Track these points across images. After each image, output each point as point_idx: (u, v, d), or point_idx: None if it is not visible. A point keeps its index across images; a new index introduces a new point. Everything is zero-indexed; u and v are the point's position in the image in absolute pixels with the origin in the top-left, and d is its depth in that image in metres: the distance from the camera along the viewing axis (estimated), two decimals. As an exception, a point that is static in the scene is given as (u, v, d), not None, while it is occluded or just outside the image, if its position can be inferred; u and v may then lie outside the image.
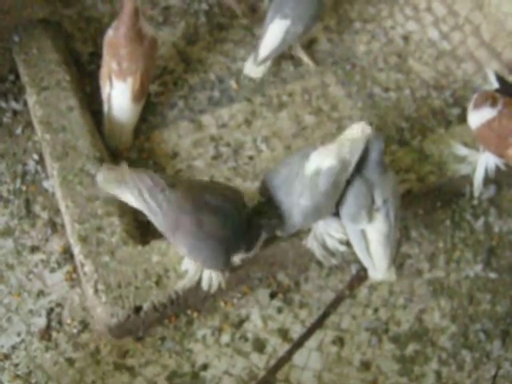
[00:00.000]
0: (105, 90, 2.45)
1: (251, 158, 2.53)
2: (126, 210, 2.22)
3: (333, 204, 2.09)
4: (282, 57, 2.84)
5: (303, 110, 2.69)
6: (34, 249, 2.31)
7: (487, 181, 2.41)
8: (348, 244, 2.17)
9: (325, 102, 2.72)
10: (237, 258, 2.08)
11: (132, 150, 2.52)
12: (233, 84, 2.76)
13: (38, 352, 2.10)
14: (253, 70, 2.74)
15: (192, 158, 2.52)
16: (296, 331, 2.19)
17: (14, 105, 2.63)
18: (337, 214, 2.15)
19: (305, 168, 2.03)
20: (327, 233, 2.17)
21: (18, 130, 2.58)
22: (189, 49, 2.87)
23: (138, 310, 2.05)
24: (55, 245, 2.31)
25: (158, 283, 2.07)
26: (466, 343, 2.20)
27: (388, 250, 2.11)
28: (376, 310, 2.25)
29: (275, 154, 2.54)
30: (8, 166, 2.49)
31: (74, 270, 2.25)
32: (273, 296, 2.25)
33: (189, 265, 2.07)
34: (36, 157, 2.50)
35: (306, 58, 2.84)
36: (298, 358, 2.14)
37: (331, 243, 2.18)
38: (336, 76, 2.82)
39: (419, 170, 2.37)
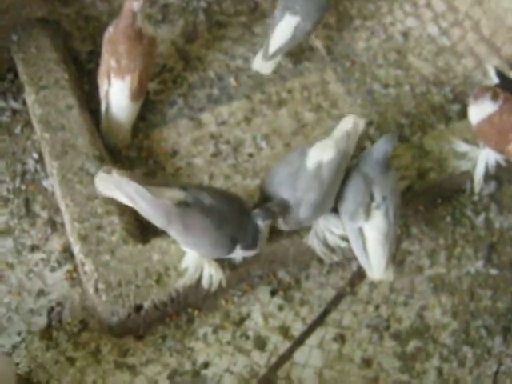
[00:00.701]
0: (103, 87, 2.45)
1: (251, 155, 2.53)
2: (125, 209, 2.21)
3: (333, 197, 2.12)
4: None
5: (303, 107, 2.68)
6: (33, 248, 2.30)
7: (488, 177, 2.41)
8: (349, 240, 2.17)
9: (324, 99, 2.71)
10: (244, 255, 2.07)
11: (131, 148, 2.52)
12: (232, 81, 2.76)
13: (38, 351, 2.10)
14: (263, 65, 2.75)
15: (192, 156, 2.51)
16: (297, 329, 2.19)
17: (12, 104, 2.63)
18: (336, 211, 2.16)
19: (306, 164, 2.06)
20: (328, 229, 2.17)
21: (17, 129, 2.57)
22: (188, 47, 2.86)
23: (138, 308, 2.04)
24: (55, 244, 2.31)
25: (158, 281, 2.07)
26: (467, 340, 2.20)
27: (386, 248, 2.11)
28: (377, 307, 2.24)
29: (275, 151, 2.53)
30: (7, 165, 2.48)
31: (75, 269, 2.25)
32: (273, 294, 2.25)
33: (189, 263, 2.07)
34: (35, 156, 2.49)
35: (322, 49, 2.85)
36: (299, 355, 2.14)
37: (332, 239, 2.18)
38: (335, 73, 2.81)
39: (419, 167, 2.37)
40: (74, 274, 2.24)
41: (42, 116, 2.42)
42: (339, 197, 2.13)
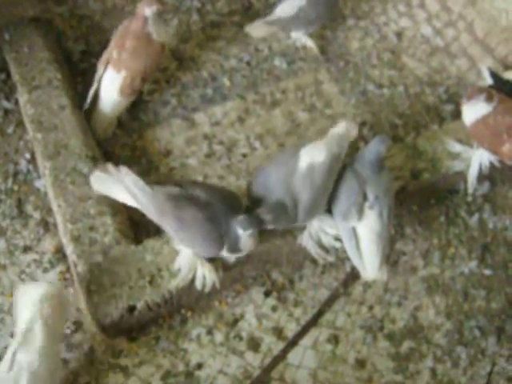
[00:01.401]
0: (98, 71, 2.49)
1: (245, 155, 2.52)
2: (118, 210, 2.21)
3: (326, 198, 2.11)
4: (276, 53, 2.84)
5: (296, 107, 2.68)
6: (26, 249, 2.29)
7: (481, 177, 2.41)
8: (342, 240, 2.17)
9: (318, 99, 2.71)
10: (231, 257, 2.07)
11: (124, 148, 2.51)
12: (226, 82, 2.75)
13: (31, 353, 2.09)
14: (256, 28, 2.79)
15: (185, 156, 2.51)
16: (291, 329, 2.18)
17: (5, 104, 2.62)
18: (330, 212, 2.16)
19: (298, 167, 2.06)
20: (322, 230, 2.17)
21: (10, 129, 2.56)
22: (181, 46, 2.86)
23: (131, 309, 2.04)
24: (48, 245, 2.30)
25: (151, 282, 2.06)
26: (461, 340, 2.20)
27: (380, 248, 2.11)
28: (371, 308, 2.24)
29: (269, 151, 2.53)
30: (-1, 165, 2.48)
31: (67, 269, 2.24)
32: (267, 294, 2.24)
33: (182, 263, 2.06)
34: (28, 156, 2.48)
35: (316, 49, 2.86)
36: (293, 356, 2.13)
37: (326, 240, 2.18)
38: (329, 73, 2.81)
39: (413, 167, 2.37)
40: (67, 275, 2.23)
41: (35, 116, 2.41)
42: (332, 197, 2.13)
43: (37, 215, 2.36)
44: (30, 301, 1.90)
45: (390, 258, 2.30)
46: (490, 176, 2.44)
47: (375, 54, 2.89)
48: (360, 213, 2.08)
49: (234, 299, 2.23)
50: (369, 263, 2.12)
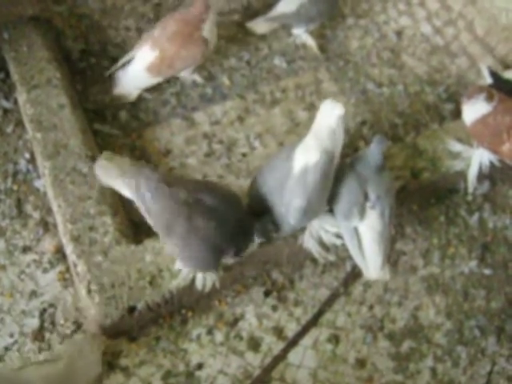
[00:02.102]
0: (137, 45, 2.56)
1: (244, 155, 2.52)
2: (118, 210, 2.20)
3: (325, 200, 2.09)
4: (275, 52, 2.83)
5: (296, 106, 2.68)
6: (25, 249, 2.29)
7: (481, 177, 2.41)
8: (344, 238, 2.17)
9: (318, 98, 2.70)
10: (227, 261, 2.07)
11: (124, 147, 2.50)
12: (225, 81, 2.75)
13: (31, 353, 2.08)
14: (258, 25, 2.84)
15: (185, 156, 2.50)
16: (291, 329, 2.18)
17: (4, 103, 2.60)
18: (331, 212, 2.15)
19: (293, 168, 2.02)
20: (323, 228, 2.16)
21: (9, 129, 2.55)
22: (181, 45, 2.84)
23: (131, 310, 2.03)
24: (47, 245, 2.29)
25: (151, 283, 2.05)
26: (461, 340, 2.20)
27: (382, 247, 2.10)
28: (371, 308, 2.24)
29: (268, 150, 2.52)
30: (-1, 165, 2.47)
31: (67, 270, 2.23)
32: (267, 294, 2.24)
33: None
34: (27, 156, 2.47)
35: (316, 48, 2.86)
36: (293, 356, 2.14)
37: (327, 238, 2.17)
38: (329, 72, 2.81)
39: (413, 166, 2.37)
40: (67, 275, 2.23)
41: (34, 115, 2.40)
42: (334, 197, 2.12)
43: (36, 215, 2.35)
44: None
45: (390, 258, 2.30)
46: (490, 175, 2.44)
47: (375, 53, 2.89)
48: (362, 213, 2.08)
49: (234, 299, 2.22)
50: (371, 263, 2.12)
